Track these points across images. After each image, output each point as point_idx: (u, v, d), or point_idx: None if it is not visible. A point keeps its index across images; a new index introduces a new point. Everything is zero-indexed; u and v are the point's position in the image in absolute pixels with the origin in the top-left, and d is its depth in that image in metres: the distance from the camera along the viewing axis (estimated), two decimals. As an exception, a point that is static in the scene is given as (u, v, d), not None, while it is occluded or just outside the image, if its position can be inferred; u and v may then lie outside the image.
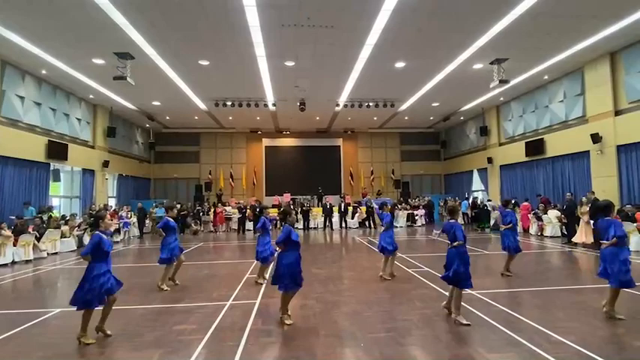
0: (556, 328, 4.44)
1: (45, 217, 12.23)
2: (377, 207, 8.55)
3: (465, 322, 4.68)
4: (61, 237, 12.11)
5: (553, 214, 13.39)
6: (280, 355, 3.95)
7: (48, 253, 11.14)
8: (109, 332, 4.51)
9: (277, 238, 4.98)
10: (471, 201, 19.41)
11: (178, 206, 19.75)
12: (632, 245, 10.04)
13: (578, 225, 11.20)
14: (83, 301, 4.27)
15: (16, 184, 12.49)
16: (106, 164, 17.64)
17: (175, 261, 7.02)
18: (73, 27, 9.74)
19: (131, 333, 4.66)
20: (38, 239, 10.91)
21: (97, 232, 4.53)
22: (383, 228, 7.70)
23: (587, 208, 10.68)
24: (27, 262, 10.15)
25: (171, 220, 7.06)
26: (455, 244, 4.90)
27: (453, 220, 5.14)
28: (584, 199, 11.32)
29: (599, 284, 6.71)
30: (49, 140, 13.85)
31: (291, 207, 9.77)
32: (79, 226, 13.15)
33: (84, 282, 4.33)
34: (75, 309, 4.33)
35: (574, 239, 11.15)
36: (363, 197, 22.16)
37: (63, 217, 13.73)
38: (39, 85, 13.47)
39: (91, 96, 16.00)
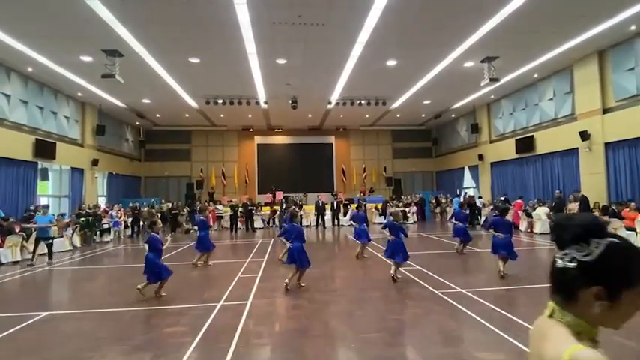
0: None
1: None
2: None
3: (398, 276, 7.05)
4: (54, 237, 11.94)
5: (542, 210, 13.56)
6: (271, 357, 3.95)
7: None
8: (163, 293, 6.34)
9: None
10: (462, 198, 19.55)
11: (172, 205, 19.62)
12: (618, 241, 10.22)
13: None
14: (155, 276, 6.25)
15: (3, 184, 12.26)
16: (95, 163, 17.41)
17: (212, 249, 9.08)
18: (59, 23, 9.56)
19: (121, 336, 4.63)
20: (26, 240, 10.75)
21: (152, 233, 6.46)
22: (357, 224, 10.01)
23: (576, 205, 10.85)
24: (14, 263, 10.00)
25: (204, 218, 9.34)
26: (390, 238, 7.15)
27: (395, 222, 7.35)
28: (571, 196, 11.48)
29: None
30: (36, 139, 13.61)
31: (294, 207, 10.97)
32: (68, 225, 12.95)
33: (151, 266, 6.22)
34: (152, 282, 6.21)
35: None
36: (363, 194, 22.24)
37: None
38: (25, 83, 13.23)
39: (79, 94, 15.76)
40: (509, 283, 6.70)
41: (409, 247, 7.24)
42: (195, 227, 9.42)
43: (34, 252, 10.06)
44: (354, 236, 10.40)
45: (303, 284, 6.79)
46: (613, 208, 10.96)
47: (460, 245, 9.93)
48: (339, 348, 4.15)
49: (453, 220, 10.23)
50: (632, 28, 10.67)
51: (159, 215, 18.80)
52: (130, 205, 17.11)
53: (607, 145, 12.44)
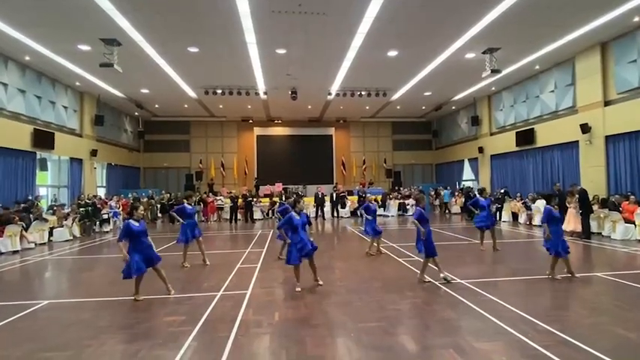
0: (542, 316, 4.52)
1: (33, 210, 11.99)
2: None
3: (450, 277, 6.21)
4: (53, 227, 11.99)
5: (542, 203, 13.54)
6: (270, 346, 3.96)
7: (36, 244, 10.99)
8: (141, 298, 5.52)
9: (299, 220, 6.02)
10: (462, 190, 19.56)
11: (165, 195, 19.61)
12: (618, 234, 10.24)
13: (566, 214, 11.38)
14: (129, 272, 5.33)
15: (1, 174, 12.22)
16: (94, 153, 17.35)
17: (192, 242, 7.88)
18: (56, 11, 9.42)
19: (121, 324, 4.64)
20: (26, 229, 10.74)
21: (129, 219, 5.65)
22: (369, 218, 8.75)
23: (575, 197, 10.84)
24: (14, 252, 9.99)
25: (189, 206, 8.08)
26: (421, 229, 6.21)
27: (418, 207, 6.66)
28: (568, 191, 11.46)
29: (585, 273, 6.85)
30: (34, 129, 13.54)
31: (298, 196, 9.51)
32: (67, 215, 12.93)
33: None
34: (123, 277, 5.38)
35: (562, 228, 11.32)
36: (362, 186, 22.23)
37: (51, 207, 13.52)
38: (23, 72, 13.11)
39: (77, 83, 15.63)
40: (507, 274, 6.72)
41: (408, 238, 7.13)
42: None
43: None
44: (366, 231, 8.93)
45: (320, 282, 6.14)
46: (613, 200, 10.96)
47: (482, 237, 9.03)
48: (338, 337, 4.16)
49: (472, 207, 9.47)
50: (636, 19, 10.56)
51: (158, 207, 18.86)
52: (130, 195, 17.10)
53: (607, 137, 12.40)
